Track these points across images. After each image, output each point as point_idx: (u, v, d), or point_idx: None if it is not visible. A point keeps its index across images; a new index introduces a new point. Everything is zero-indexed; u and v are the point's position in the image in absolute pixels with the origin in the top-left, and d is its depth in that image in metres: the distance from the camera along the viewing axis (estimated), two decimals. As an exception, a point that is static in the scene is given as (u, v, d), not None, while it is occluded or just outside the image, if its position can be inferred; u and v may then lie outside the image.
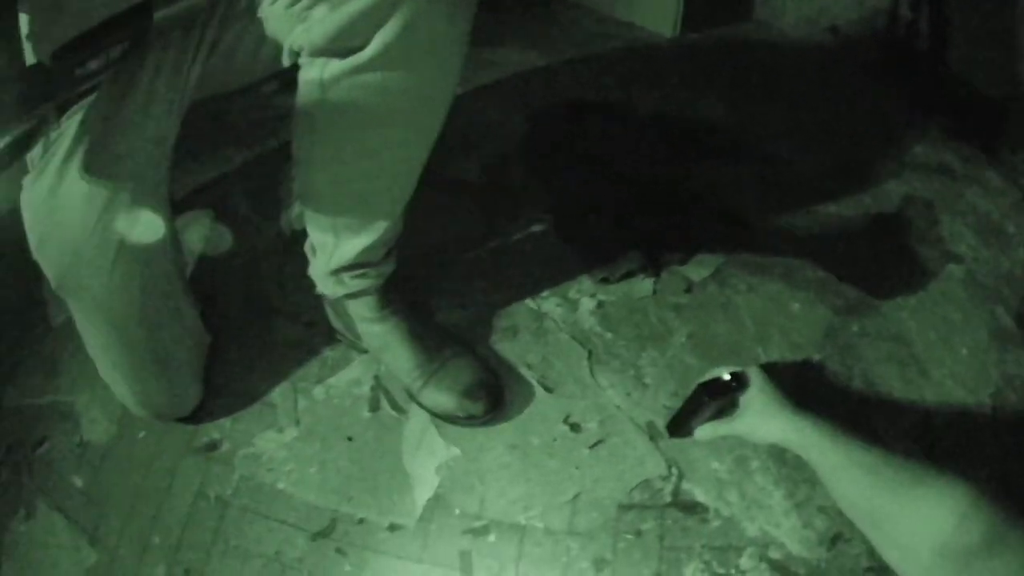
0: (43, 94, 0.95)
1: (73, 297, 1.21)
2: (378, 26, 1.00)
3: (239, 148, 1.81)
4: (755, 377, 1.15)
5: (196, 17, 1.08)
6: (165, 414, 1.39)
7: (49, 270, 1.18)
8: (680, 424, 1.20)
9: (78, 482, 1.38)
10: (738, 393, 1.16)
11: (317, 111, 1.11)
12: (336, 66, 1.05)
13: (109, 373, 1.33)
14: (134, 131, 1.10)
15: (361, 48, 1.02)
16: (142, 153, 1.12)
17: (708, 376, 1.18)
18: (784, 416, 1.08)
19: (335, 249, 1.28)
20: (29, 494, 1.39)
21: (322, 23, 1.02)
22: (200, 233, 1.64)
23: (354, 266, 1.30)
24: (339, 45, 1.03)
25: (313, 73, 1.07)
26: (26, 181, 1.13)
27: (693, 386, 1.18)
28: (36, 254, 1.17)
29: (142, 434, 1.41)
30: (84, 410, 1.46)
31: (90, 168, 1.09)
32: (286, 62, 1.12)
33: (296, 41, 1.06)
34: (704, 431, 1.18)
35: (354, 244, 1.26)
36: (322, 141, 1.15)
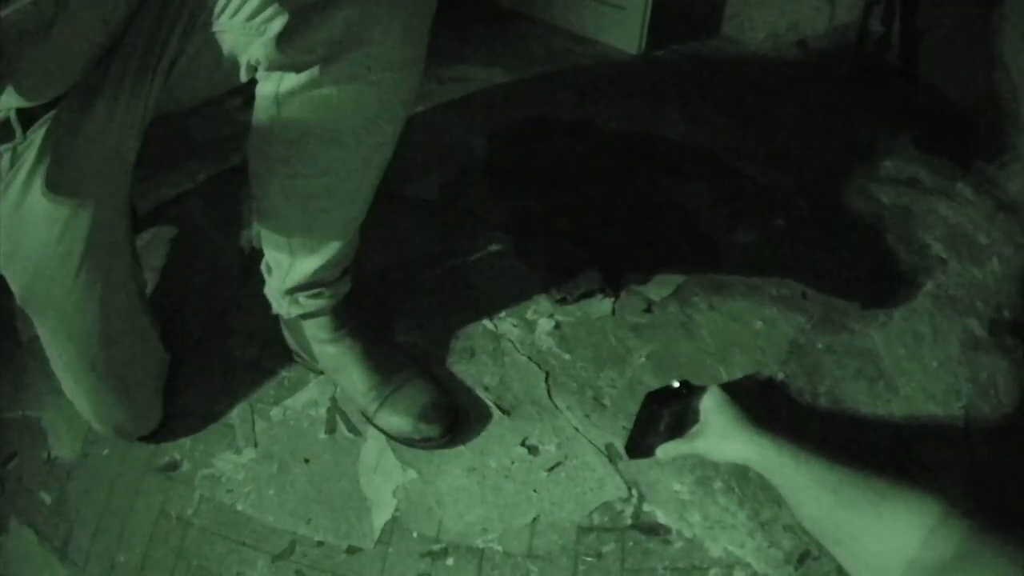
0: None
1: (36, 312, 1.22)
2: (334, 41, 1.01)
3: (202, 164, 1.81)
4: (715, 395, 1.14)
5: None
6: (126, 432, 1.39)
7: (14, 284, 1.19)
8: (638, 443, 1.19)
9: (47, 498, 1.38)
10: (691, 400, 1.15)
11: (272, 126, 1.12)
12: (291, 80, 1.06)
13: (71, 389, 1.34)
14: (95, 146, 1.10)
15: (316, 63, 1.04)
16: (104, 168, 1.12)
17: (657, 387, 1.18)
18: (745, 435, 1.07)
19: (290, 268, 1.28)
20: (1, 509, 1.39)
21: (272, 41, 1.02)
22: (162, 250, 1.64)
23: (309, 285, 1.30)
24: (294, 60, 1.04)
25: (269, 88, 1.08)
26: None
27: (642, 399, 1.17)
28: (3, 261, 1.17)
29: (106, 451, 1.41)
30: (51, 426, 1.47)
31: (52, 183, 1.10)
32: (243, 77, 1.12)
33: (253, 55, 1.06)
34: (665, 450, 1.16)
35: (309, 263, 1.26)
36: (276, 156, 1.15)
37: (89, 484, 1.39)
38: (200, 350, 1.50)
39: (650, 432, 1.17)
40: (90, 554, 1.31)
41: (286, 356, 1.45)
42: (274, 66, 1.06)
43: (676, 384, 1.16)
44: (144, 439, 1.41)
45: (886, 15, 2.02)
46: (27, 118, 1.08)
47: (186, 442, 1.40)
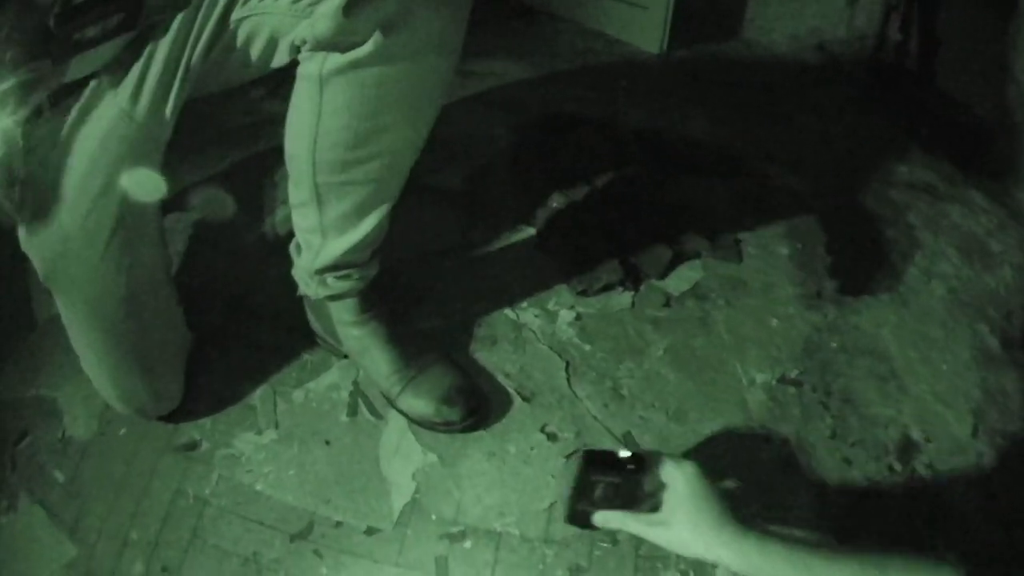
0: (42, 51, 1.00)
1: (60, 289, 1.25)
2: (380, 22, 1.05)
3: (226, 151, 1.86)
4: (686, 475, 0.97)
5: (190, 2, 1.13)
6: (146, 411, 1.42)
7: (38, 261, 1.21)
8: (571, 508, 1.06)
9: (59, 477, 1.41)
10: (640, 476, 1.02)
11: (313, 105, 1.16)
12: (336, 60, 1.10)
13: (92, 368, 1.37)
14: (127, 123, 1.13)
15: (361, 43, 1.08)
16: (136, 146, 1.15)
17: (599, 447, 1.13)
18: (724, 534, 0.93)
19: (320, 249, 1.32)
20: (12, 487, 1.42)
21: (327, 18, 1.06)
22: (185, 234, 1.69)
23: (338, 267, 1.34)
24: (341, 40, 1.08)
25: (312, 68, 1.12)
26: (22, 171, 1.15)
27: (578, 456, 1.07)
28: (25, 245, 1.20)
29: (123, 431, 1.45)
30: (67, 405, 1.50)
31: (84, 154, 1.13)
32: (285, 58, 1.16)
33: (299, 36, 1.10)
34: (607, 519, 1.02)
35: (339, 244, 1.30)
36: (315, 136, 1.19)
37: (104, 463, 1.42)
38: (222, 332, 1.54)
39: (583, 499, 1.05)
40: (102, 532, 1.35)
41: (309, 340, 1.50)
42: (320, 46, 1.09)
43: (623, 454, 1.05)
44: (163, 419, 1.44)
45: (905, 23, 2.07)
46: (56, 93, 1.11)
47: (206, 422, 1.44)
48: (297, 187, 1.29)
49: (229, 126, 1.93)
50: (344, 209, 1.27)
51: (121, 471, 1.41)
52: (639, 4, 2.10)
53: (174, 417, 1.45)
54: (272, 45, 1.15)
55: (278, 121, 1.87)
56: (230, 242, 1.69)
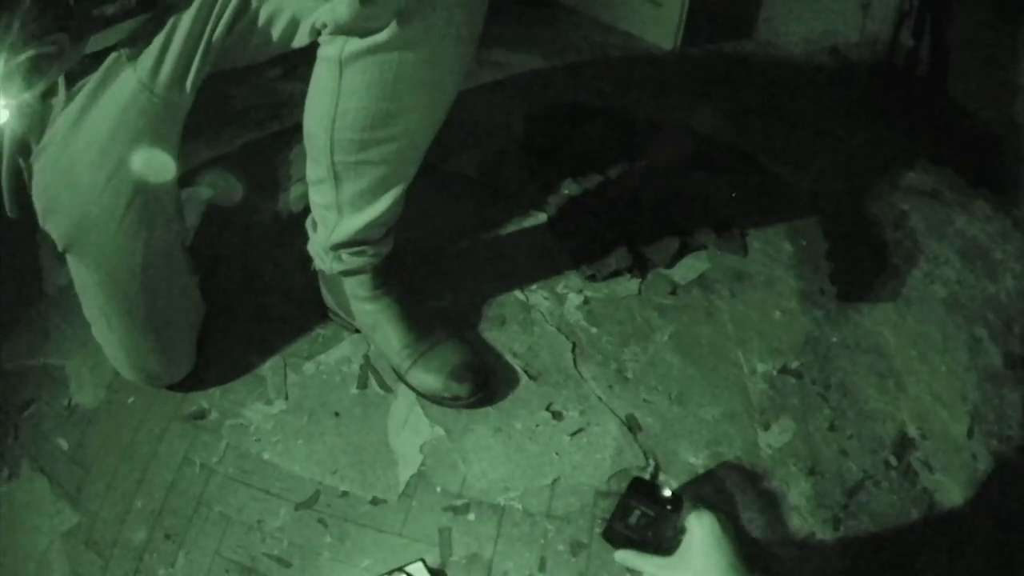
0: (61, 26, 1.04)
1: (78, 256, 1.29)
2: (397, 10, 1.09)
3: (240, 130, 1.91)
4: (706, 526, 1.03)
5: None
6: (157, 379, 1.46)
7: (57, 228, 1.25)
8: (611, 527, 1.19)
9: (63, 444, 1.45)
10: (673, 514, 1.15)
11: (332, 87, 1.20)
12: (356, 44, 1.14)
13: (105, 336, 1.41)
14: (148, 95, 1.17)
15: (381, 28, 1.12)
16: (155, 118, 1.19)
17: (648, 478, 1.24)
18: None
19: (336, 225, 1.37)
20: (15, 456, 1.45)
21: (346, 4, 1.10)
22: (198, 209, 1.74)
23: (353, 243, 1.39)
24: (360, 25, 1.12)
25: (332, 51, 1.16)
26: (39, 145, 1.21)
27: (629, 480, 1.22)
28: (44, 215, 1.24)
29: (131, 399, 1.48)
30: (74, 374, 1.54)
31: (102, 128, 1.17)
32: (306, 39, 1.19)
33: (320, 18, 1.14)
34: (625, 557, 1.11)
35: (356, 221, 1.35)
36: (333, 116, 1.23)
37: (110, 431, 1.46)
38: (234, 306, 1.59)
39: (619, 520, 1.18)
40: (105, 500, 1.38)
41: (320, 314, 1.55)
42: (341, 30, 1.13)
43: (666, 492, 1.18)
44: (173, 387, 1.48)
45: (916, 29, 2.11)
46: (76, 42, 1.12)
47: (215, 392, 1.49)
48: (315, 165, 1.33)
49: (244, 105, 1.98)
50: (360, 187, 1.32)
51: (128, 439, 1.45)
52: (654, 0, 2.16)
53: (184, 386, 1.49)
54: (293, 26, 1.18)
55: (293, 102, 1.94)
56: (244, 218, 1.74)
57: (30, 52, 1.04)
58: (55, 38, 1.06)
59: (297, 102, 1.91)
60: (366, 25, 1.12)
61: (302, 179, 1.69)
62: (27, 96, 1.10)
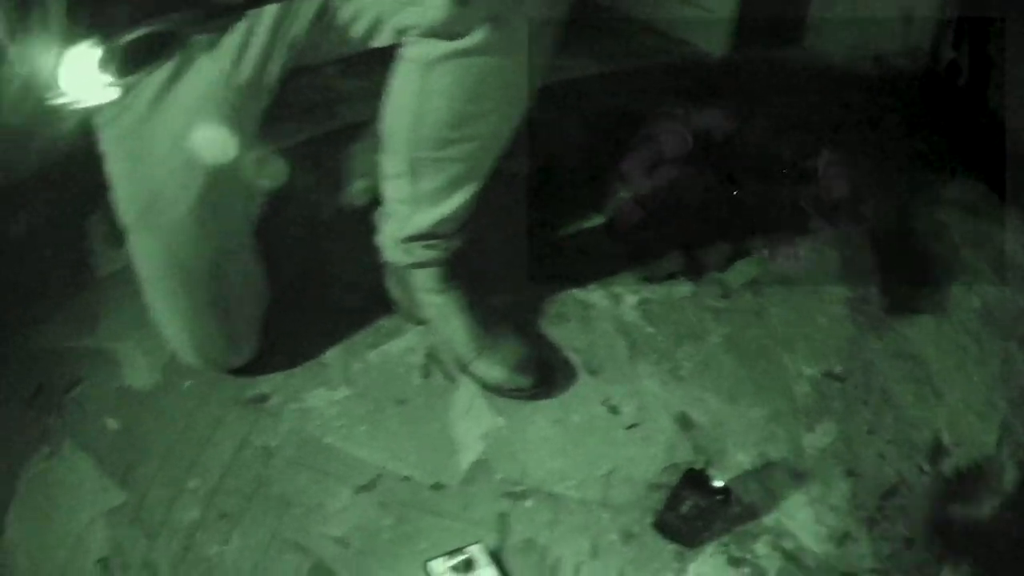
0: (176, 6, 1.09)
1: (143, 236, 1.31)
2: (489, 15, 1.15)
3: (299, 125, 1.96)
4: None
5: None
6: (219, 363, 1.49)
7: (127, 206, 1.28)
8: (663, 515, 1.32)
9: (113, 425, 1.47)
10: (722, 507, 1.27)
11: (417, 86, 1.25)
12: (442, 47, 1.19)
13: (167, 318, 1.42)
14: (225, 85, 1.20)
15: (466, 34, 1.16)
16: (237, 106, 1.22)
17: (700, 469, 1.31)
18: None
19: (409, 218, 1.43)
20: (57, 434, 1.46)
21: (438, 8, 1.14)
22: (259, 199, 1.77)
23: (426, 236, 1.44)
24: (448, 29, 1.16)
25: (417, 52, 1.21)
26: (103, 120, 1.22)
27: (680, 474, 1.32)
28: (115, 191, 1.27)
29: (188, 383, 1.51)
30: (127, 357, 1.56)
31: (180, 115, 1.20)
32: (388, 40, 1.23)
33: (406, 21, 1.18)
34: None
35: (429, 215, 1.41)
36: (414, 116, 1.29)
37: (164, 413, 1.48)
38: (299, 296, 1.63)
39: (670, 510, 1.31)
40: (155, 480, 1.40)
41: (383, 306, 1.60)
42: (428, 33, 1.17)
43: (717, 483, 1.27)
44: (233, 372, 1.51)
45: (956, 41, 2.15)
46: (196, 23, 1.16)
47: (278, 377, 1.52)
48: (393, 159, 1.37)
49: (303, 102, 2.02)
50: (436, 184, 1.37)
51: (183, 422, 1.47)
52: (704, 7, 2.22)
53: (245, 371, 1.51)
54: (375, 26, 1.21)
55: (351, 98, 1.95)
56: (306, 211, 1.79)
57: (144, 30, 1.07)
58: (171, 17, 1.10)
59: (355, 99, 1.97)
60: (455, 29, 1.16)
61: (364, 175, 1.75)
62: (141, 75, 1.14)
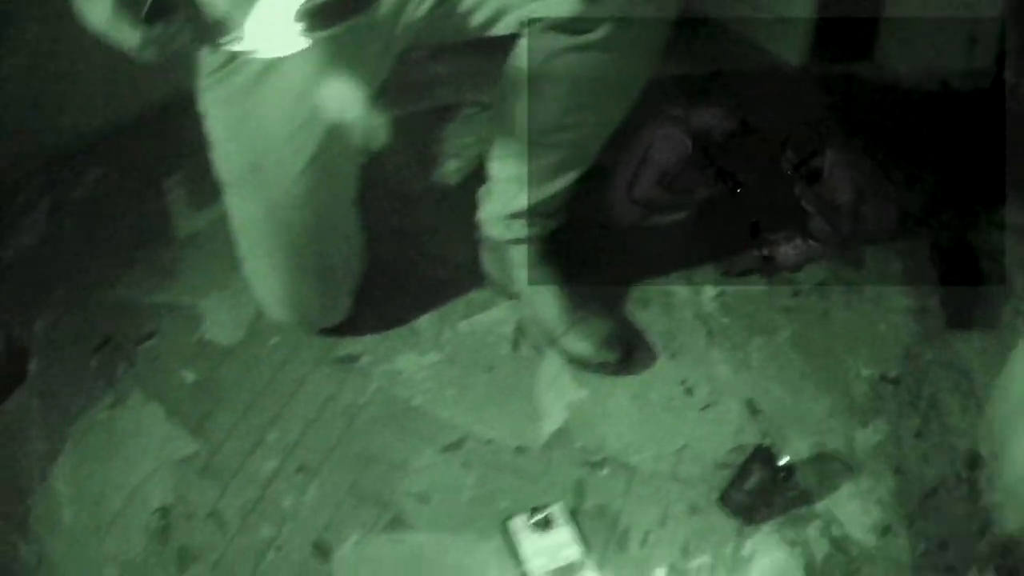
0: None
1: (250, 193, 1.37)
2: (616, 12, 1.22)
3: (390, 105, 1.97)
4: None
5: None
6: (312, 322, 1.57)
7: (230, 164, 1.34)
8: (729, 490, 1.40)
9: (189, 377, 1.54)
10: (785, 483, 1.37)
11: (536, 76, 1.33)
12: (565, 41, 1.27)
13: (261, 275, 1.49)
14: (343, 53, 1.26)
15: (590, 30, 1.25)
16: (350, 82, 1.29)
17: (768, 445, 1.42)
18: None
19: (515, 196, 1.51)
20: (125, 383, 1.53)
21: (568, 3, 1.22)
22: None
23: (529, 213, 1.53)
24: (574, 24, 1.24)
25: (541, 43, 1.29)
26: (206, 80, 1.28)
27: (746, 454, 1.41)
28: (218, 147, 1.33)
29: (274, 340, 1.59)
30: (208, 312, 1.64)
31: (296, 82, 1.26)
32: (509, 30, 1.31)
33: (533, 13, 1.26)
34: None
35: (536, 194, 1.49)
36: (535, 101, 1.37)
37: (247, 368, 1.56)
38: (392, 266, 1.70)
39: (736, 484, 1.39)
40: (233, 431, 1.47)
41: (475, 280, 1.70)
42: (554, 26, 1.25)
43: (783, 460, 1.37)
44: (325, 332, 1.58)
45: (1018, 66, 2.20)
46: None
47: (369, 339, 1.61)
48: (507, 140, 1.46)
49: (394, 83, 2.08)
50: (544, 165, 1.45)
51: (267, 377, 1.55)
52: (784, 17, 2.28)
53: (337, 331, 1.59)
54: (497, 16, 1.29)
55: (441, 82, 2.01)
56: (401, 188, 1.87)
57: None
58: None
59: (445, 83, 2.06)
60: (580, 25, 1.24)
61: (456, 155, 1.84)
62: (334, 30, 1.19)
